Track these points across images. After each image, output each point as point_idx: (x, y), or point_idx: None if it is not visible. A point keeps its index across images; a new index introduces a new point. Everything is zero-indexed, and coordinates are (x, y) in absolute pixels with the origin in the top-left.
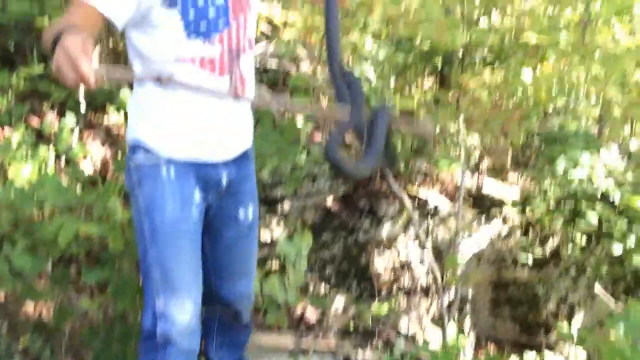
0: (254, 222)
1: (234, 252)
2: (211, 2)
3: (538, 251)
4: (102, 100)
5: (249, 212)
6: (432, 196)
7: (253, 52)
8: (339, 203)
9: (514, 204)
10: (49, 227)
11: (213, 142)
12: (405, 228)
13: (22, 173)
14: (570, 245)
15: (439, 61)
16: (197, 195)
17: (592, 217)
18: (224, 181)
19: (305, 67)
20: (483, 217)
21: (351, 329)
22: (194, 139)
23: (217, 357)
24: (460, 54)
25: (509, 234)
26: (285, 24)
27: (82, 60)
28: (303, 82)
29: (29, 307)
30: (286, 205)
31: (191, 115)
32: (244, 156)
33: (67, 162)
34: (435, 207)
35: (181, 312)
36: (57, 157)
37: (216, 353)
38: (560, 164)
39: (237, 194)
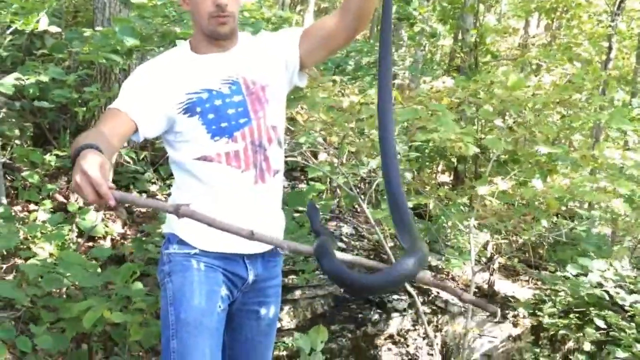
0: (275, 318)
1: (251, 346)
2: (229, 102)
3: (549, 355)
4: (126, 182)
5: (270, 309)
6: (443, 292)
7: (279, 143)
8: (349, 294)
9: (525, 305)
10: (73, 307)
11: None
12: (415, 323)
13: (45, 249)
14: (579, 353)
15: (453, 159)
16: (224, 291)
17: (601, 324)
18: (251, 278)
19: (323, 157)
20: (494, 317)
21: None
22: (224, 234)
23: None
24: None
25: (519, 336)
26: (306, 121)
27: (102, 184)
28: (320, 172)
29: None
30: (297, 294)
31: (222, 211)
32: (272, 254)
33: (89, 239)
34: (446, 304)
35: None
36: (80, 234)
37: None
38: (571, 270)
39: (261, 290)
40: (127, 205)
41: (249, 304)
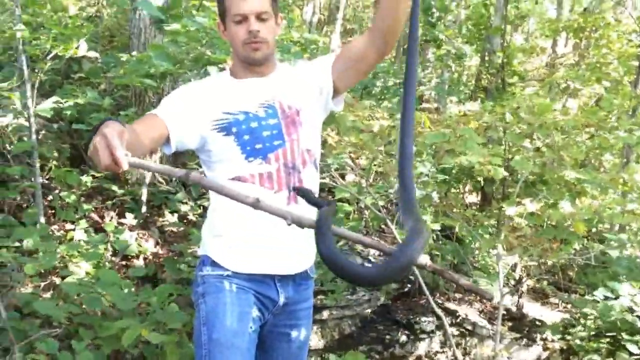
0: (306, 341)
1: None
2: (264, 124)
3: None
4: (159, 202)
5: (301, 332)
6: (471, 314)
7: (314, 165)
8: (377, 315)
9: (554, 329)
10: (111, 326)
11: (276, 255)
12: (443, 345)
13: (82, 267)
14: None
15: (480, 180)
16: (255, 312)
17: (634, 349)
18: (281, 300)
19: (351, 178)
20: (522, 340)
21: None
22: (256, 256)
23: None
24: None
25: (547, 359)
26: (337, 142)
27: (118, 147)
28: (348, 194)
29: None
30: (325, 314)
31: (257, 230)
32: (304, 276)
33: (123, 258)
34: (474, 326)
35: None
36: (114, 253)
37: None
38: (601, 293)
39: (292, 313)
40: (141, 170)
41: (280, 326)
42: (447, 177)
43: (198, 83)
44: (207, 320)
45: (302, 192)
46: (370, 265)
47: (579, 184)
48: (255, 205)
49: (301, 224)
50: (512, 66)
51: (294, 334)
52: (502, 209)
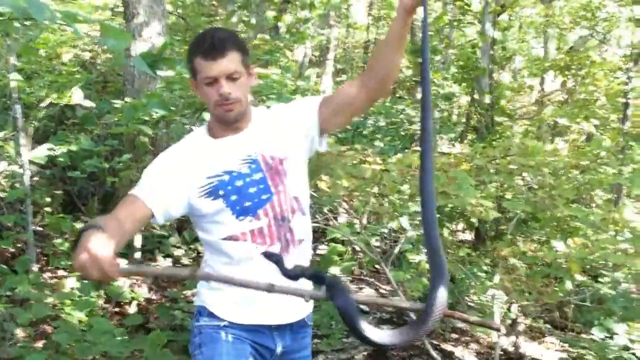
0: None
1: None
2: (249, 181)
3: None
4: (152, 246)
5: None
6: (468, 356)
7: (302, 212)
8: (372, 358)
9: None
10: None
11: (271, 307)
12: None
13: (75, 316)
14: None
15: (474, 219)
16: None
17: None
18: (279, 350)
19: (344, 218)
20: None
21: None
22: (252, 307)
23: None
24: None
25: None
26: (330, 187)
27: (105, 261)
28: (340, 234)
29: None
30: (320, 358)
31: (251, 274)
32: (301, 324)
33: (117, 304)
34: None
35: None
36: (107, 299)
37: None
38: (597, 333)
39: None
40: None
41: None
42: (439, 216)
43: (176, 149)
44: None
45: (274, 258)
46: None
47: (571, 222)
48: (270, 289)
49: (317, 298)
50: (500, 106)
51: None
52: (496, 249)
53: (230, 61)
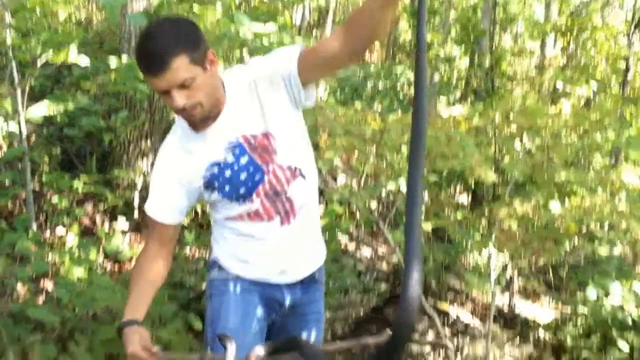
0: (316, 343)
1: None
2: (237, 168)
3: None
4: None
5: (311, 334)
6: (463, 314)
7: (302, 176)
8: (369, 316)
9: (546, 327)
10: (107, 330)
11: (277, 271)
12: (435, 345)
13: (74, 273)
14: None
15: (471, 182)
16: (260, 312)
17: (624, 346)
18: (287, 302)
19: (342, 179)
20: (514, 339)
21: None
22: (258, 267)
23: None
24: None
25: (539, 357)
26: (330, 145)
27: (143, 357)
28: (339, 195)
29: None
30: None
31: (254, 251)
32: (311, 279)
33: (116, 262)
34: (466, 326)
35: None
36: (107, 257)
37: None
38: (591, 292)
39: (301, 315)
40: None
41: (289, 328)
42: (438, 179)
43: (166, 154)
44: (211, 322)
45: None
46: None
47: (568, 185)
48: None
49: None
50: (501, 68)
51: (303, 335)
52: (493, 211)
53: (176, 71)
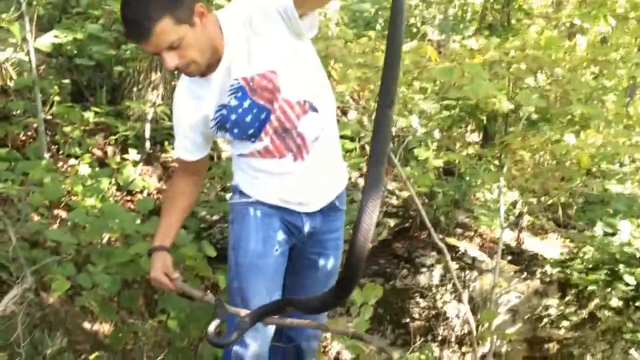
0: (333, 270)
1: (310, 294)
2: (241, 111)
3: (575, 311)
4: (162, 138)
5: (329, 261)
6: (471, 249)
7: (312, 109)
8: (378, 249)
9: (553, 263)
10: (123, 253)
11: (294, 202)
12: (443, 278)
13: (87, 202)
14: (606, 310)
15: (483, 117)
16: (280, 236)
17: (630, 280)
18: (306, 229)
19: (353, 115)
20: (521, 274)
21: None
22: (276, 198)
23: None
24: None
25: (546, 292)
26: (341, 77)
27: (165, 285)
28: (350, 130)
29: (87, 325)
30: None
31: (270, 185)
32: (332, 208)
33: (127, 193)
34: (473, 260)
35: (255, 339)
36: (119, 188)
37: None
38: (600, 229)
39: (320, 242)
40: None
41: (308, 253)
42: (450, 113)
43: (178, 101)
44: (234, 245)
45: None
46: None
47: (583, 121)
48: None
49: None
50: (518, 2)
51: (321, 262)
52: (505, 143)
53: (161, 35)
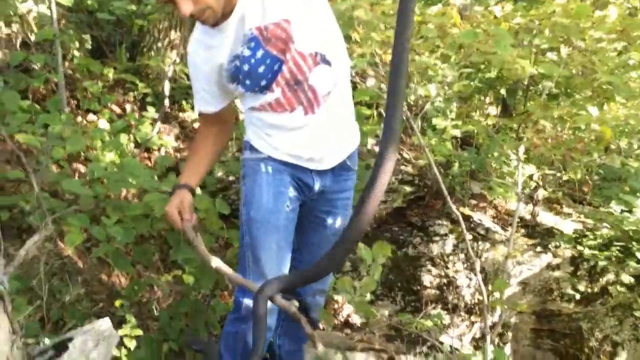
0: (341, 230)
1: (316, 253)
2: (254, 62)
3: (586, 286)
4: (180, 97)
5: (337, 220)
6: (485, 220)
7: (325, 62)
8: (392, 217)
9: (566, 237)
10: (138, 206)
11: (304, 158)
12: (455, 248)
13: (106, 157)
14: (618, 285)
15: (503, 90)
16: (291, 193)
17: None
18: (317, 187)
19: (371, 82)
20: (534, 247)
21: (395, 336)
22: (287, 152)
23: (279, 342)
24: (525, 85)
25: (558, 266)
26: (364, 39)
27: (176, 223)
28: (369, 96)
29: (105, 276)
30: None
31: (281, 140)
32: (343, 167)
33: (146, 150)
34: (487, 231)
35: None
36: (136, 145)
37: (279, 339)
38: (616, 206)
39: (329, 201)
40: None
41: (317, 211)
42: (470, 80)
43: (192, 53)
44: (246, 201)
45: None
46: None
47: (606, 93)
48: None
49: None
50: None
51: (329, 221)
52: (527, 112)
53: None
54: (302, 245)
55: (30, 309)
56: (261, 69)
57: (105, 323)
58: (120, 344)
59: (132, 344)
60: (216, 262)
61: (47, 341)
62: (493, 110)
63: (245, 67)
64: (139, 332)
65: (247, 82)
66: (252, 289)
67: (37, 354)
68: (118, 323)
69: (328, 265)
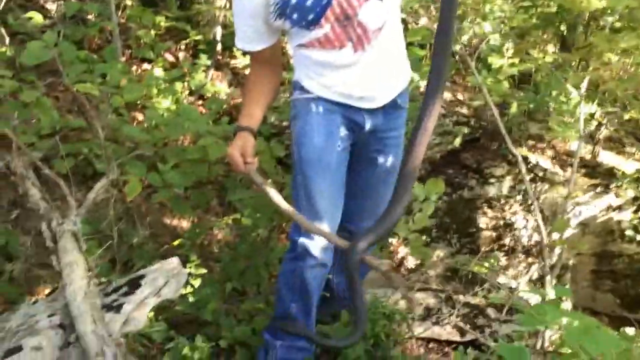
0: (392, 169)
1: (367, 193)
2: None
3: None
4: (231, 43)
5: (388, 159)
6: (543, 161)
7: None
8: (446, 159)
9: (629, 177)
10: (195, 150)
11: (355, 96)
12: (512, 190)
13: (162, 104)
14: None
15: (562, 25)
16: (342, 132)
17: None
18: (367, 126)
19: (424, 21)
20: (594, 187)
21: (451, 277)
22: (337, 91)
23: (336, 280)
24: (585, 20)
25: (619, 207)
26: None
27: (238, 166)
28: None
29: (167, 220)
30: None
31: (330, 78)
32: (393, 105)
33: (200, 97)
34: (545, 172)
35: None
36: (190, 93)
37: (336, 276)
38: None
39: (380, 140)
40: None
41: (368, 150)
42: (526, 14)
43: None
44: (297, 141)
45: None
46: None
47: None
48: None
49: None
50: None
51: (380, 159)
52: (591, 45)
53: None
54: (353, 185)
55: (100, 251)
56: (309, 2)
57: (174, 261)
58: (186, 283)
59: (196, 282)
60: (286, 205)
61: (119, 281)
62: (551, 48)
63: (293, 0)
64: (203, 270)
65: (295, 15)
66: (328, 239)
67: (111, 291)
68: (182, 263)
69: (400, 209)
